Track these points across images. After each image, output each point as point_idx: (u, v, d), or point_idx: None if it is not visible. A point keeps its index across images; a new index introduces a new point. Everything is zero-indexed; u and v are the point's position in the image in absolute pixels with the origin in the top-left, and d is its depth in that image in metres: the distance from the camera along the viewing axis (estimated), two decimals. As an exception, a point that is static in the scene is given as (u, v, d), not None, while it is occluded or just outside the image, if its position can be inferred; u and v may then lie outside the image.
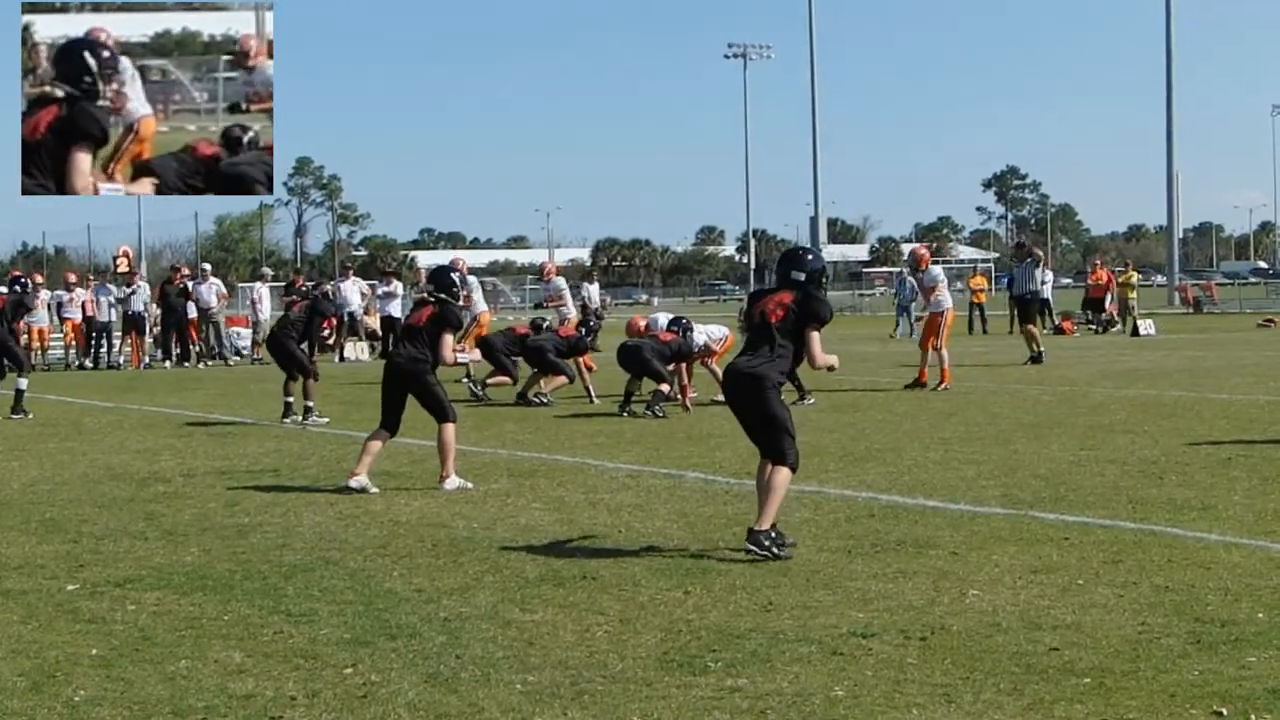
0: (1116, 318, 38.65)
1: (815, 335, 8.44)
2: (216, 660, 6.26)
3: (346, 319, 31.49)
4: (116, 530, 9.67)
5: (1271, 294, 65.14)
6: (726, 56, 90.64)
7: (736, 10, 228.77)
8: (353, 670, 6.06)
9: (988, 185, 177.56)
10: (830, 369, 8.80)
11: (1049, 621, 6.64)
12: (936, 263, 24.75)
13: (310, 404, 16.79)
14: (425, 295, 11.52)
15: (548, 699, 5.60)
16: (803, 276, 8.55)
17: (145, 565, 8.44)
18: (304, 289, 23.73)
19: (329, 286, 28.83)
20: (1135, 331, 35.84)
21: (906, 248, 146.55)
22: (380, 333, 32.01)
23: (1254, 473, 11.11)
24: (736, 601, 7.18)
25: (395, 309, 32.06)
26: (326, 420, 16.62)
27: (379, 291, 33.14)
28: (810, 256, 8.78)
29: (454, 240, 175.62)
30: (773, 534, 8.17)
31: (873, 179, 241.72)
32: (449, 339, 11.21)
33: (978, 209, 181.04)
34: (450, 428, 11.09)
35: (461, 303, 11.33)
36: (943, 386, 19.67)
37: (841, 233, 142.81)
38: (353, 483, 10.97)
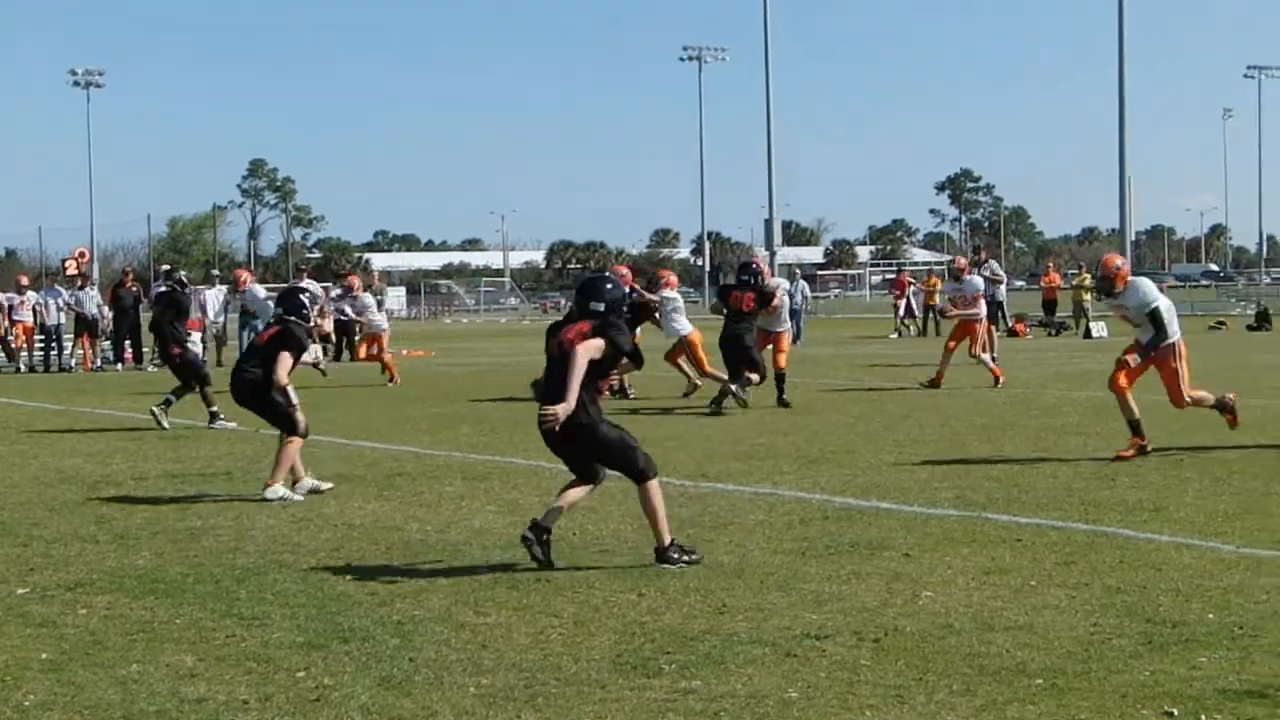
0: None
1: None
2: (168, 664, 6.22)
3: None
4: (67, 534, 9.59)
5: (1223, 296, 65.74)
6: (682, 59, 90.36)
7: (692, 13, 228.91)
8: (305, 673, 6.03)
9: (941, 188, 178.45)
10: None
11: (1001, 623, 6.68)
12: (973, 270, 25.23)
13: (215, 409, 16.63)
14: (275, 316, 11.53)
15: (501, 701, 5.59)
16: (602, 307, 8.28)
17: (96, 569, 8.37)
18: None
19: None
20: (1088, 334, 36.10)
21: (861, 250, 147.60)
22: (334, 336, 31.85)
23: (1205, 474, 11.21)
24: (690, 604, 7.19)
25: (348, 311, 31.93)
26: (234, 425, 16.31)
27: (332, 294, 32.99)
28: (609, 286, 8.42)
29: (408, 243, 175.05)
30: (677, 544, 8.16)
31: (827, 181, 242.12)
32: (286, 358, 11.19)
33: (931, 211, 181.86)
34: (296, 442, 11.04)
35: (311, 323, 11.31)
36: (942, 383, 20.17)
37: (796, 235, 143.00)
38: (294, 490, 10.94)
